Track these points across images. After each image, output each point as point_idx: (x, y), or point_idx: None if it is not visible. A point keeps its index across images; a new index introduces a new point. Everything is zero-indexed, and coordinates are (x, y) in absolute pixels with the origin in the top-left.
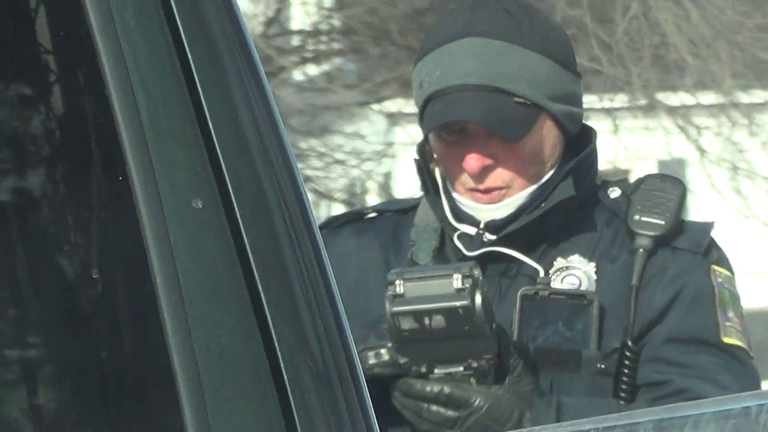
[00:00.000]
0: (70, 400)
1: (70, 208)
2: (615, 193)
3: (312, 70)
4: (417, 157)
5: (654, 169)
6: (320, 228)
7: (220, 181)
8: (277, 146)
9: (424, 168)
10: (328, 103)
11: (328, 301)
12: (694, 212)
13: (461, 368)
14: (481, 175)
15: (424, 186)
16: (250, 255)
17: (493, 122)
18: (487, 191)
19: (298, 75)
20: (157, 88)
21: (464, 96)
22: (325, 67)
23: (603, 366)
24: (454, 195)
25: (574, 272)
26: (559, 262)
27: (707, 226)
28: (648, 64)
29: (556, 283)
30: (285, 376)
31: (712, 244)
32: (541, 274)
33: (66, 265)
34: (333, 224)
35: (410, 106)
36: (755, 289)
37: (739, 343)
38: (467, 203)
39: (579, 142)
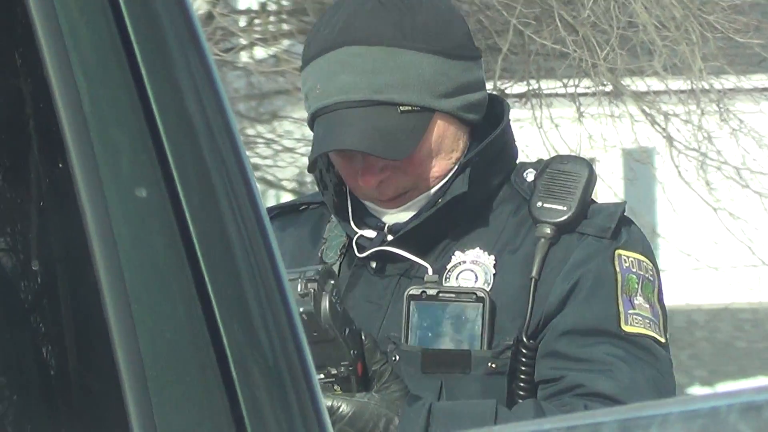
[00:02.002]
0: (9, 397)
1: (8, 196)
2: (530, 176)
3: (260, 52)
4: (308, 170)
5: (620, 159)
6: None
7: (165, 169)
8: (225, 133)
9: (319, 178)
10: (276, 87)
11: (278, 294)
12: (662, 203)
13: (321, 375)
14: (380, 187)
15: (323, 188)
16: (196, 246)
17: (375, 146)
18: (390, 199)
19: (245, 57)
20: (98, 70)
21: (346, 116)
22: (274, 49)
23: (494, 365)
24: (359, 197)
25: (471, 267)
26: (457, 256)
27: (616, 208)
28: (615, 46)
29: (451, 280)
30: (233, 372)
31: (622, 226)
32: (430, 272)
33: (4, 257)
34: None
35: None
36: (722, 284)
37: (643, 331)
38: (370, 206)
39: (492, 122)
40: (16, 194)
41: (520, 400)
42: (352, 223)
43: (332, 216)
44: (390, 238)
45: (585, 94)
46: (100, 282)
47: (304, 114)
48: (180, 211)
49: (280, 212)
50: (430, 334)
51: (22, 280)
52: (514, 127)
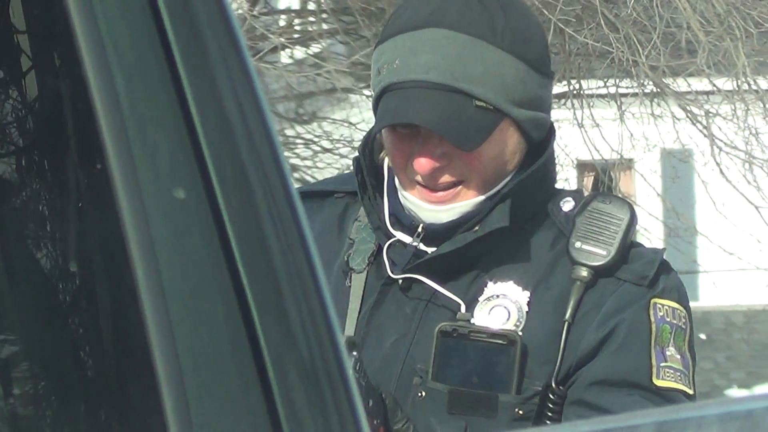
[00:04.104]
0: (47, 399)
1: (47, 198)
2: (567, 205)
3: (300, 52)
4: (358, 153)
5: (661, 158)
6: None
7: (203, 170)
8: (263, 134)
9: (364, 163)
10: (316, 87)
11: (316, 296)
12: (703, 202)
13: None
14: (432, 174)
15: (362, 186)
16: (234, 247)
17: (448, 130)
18: (437, 190)
19: (285, 57)
20: (136, 71)
21: (421, 94)
22: (314, 49)
23: (521, 411)
24: (400, 190)
25: (504, 303)
26: (490, 289)
27: (656, 255)
28: (657, 44)
29: (483, 314)
30: (271, 374)
31: (660, 273)
32: (463, 309)
33: (43, 259)
34: None
35: None
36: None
37: (674, 385)
38: (411, 200)
39: (540, 147)
40: (54, 195)
41: None
42: (388, 223)
43: (359, 214)
44: (422, 247)
45: (626, 94)
46: (137, 283)
47: (344, 115)
48: (218, 212)
49: (301, 197)
50: (458, 374)
51: (60, 282)
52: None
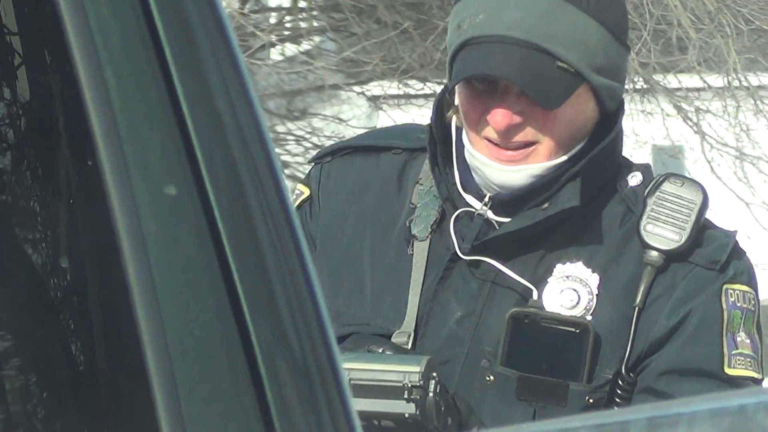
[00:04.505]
0: (38, 396)
1: (38, 195)
2: (635, 179)
3: (291, 49)
4: (431, 120)
5: (651, 155)
6: (324, 155)
7: (194, 167)
8: (254, 130)
9: (438, 132)
10: (307, 84)
11: (307, 293)
12: None
13: None
14: (507, 131)
15: (434, 156)
16: (225, 244)
17: (531, 85)
18: (508, 149)
19: (276, 54)
20: (128, 69)
21: (504, 49)
22: (305, 46)
23: (591, 400)
24: (467, 147)
25: (574, 285)
26: (559, 270)
27: (728, 239)
28: (648, 42)
29: (552, 297)
30: (262, 371)
31: (732, 257)
32: (535, 295)
33: (34, 256)
34: (340, 152)
35: (395, 89)
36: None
37: (745, 373)
38: (480, 158)
39: (610, 118)
40: (45, 192)
41: None
42: (460, 188)
43: (421, 176)
44: (490, 216)
45: None
46: (128, 280)
47: (334, 111)
48: (209, 209)
49: (354, 150)
50: (528, 360)
51: (51, 279)
52: None
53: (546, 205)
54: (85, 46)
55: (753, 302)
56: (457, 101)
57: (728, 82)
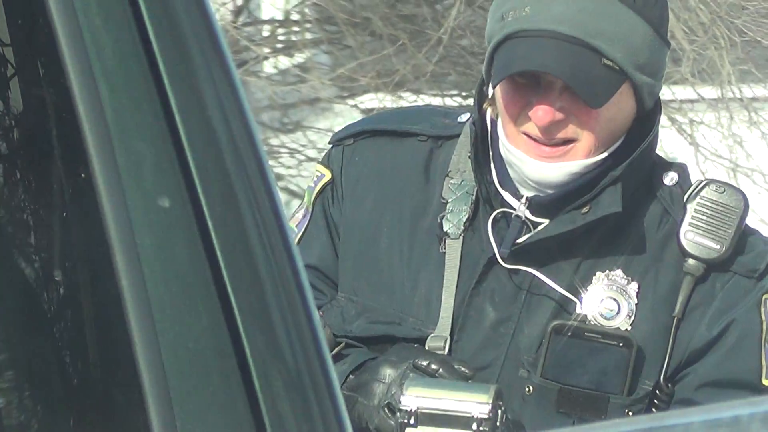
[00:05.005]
0: (31, 407)
1: (31, 207)
2: (671, 179)
3: (284, 61)
4: (473, 117)
5: None
6: (345, 137)
7: (188, 179)
8: (248, 143)
9: (479, 128)
10: (300, 97)
11: (301, 305)
12: None
13: None
14: (548, 128)
15: (476, 156)
16: (219, 256)
17: (579, 82)
18: (548, 145)
19: (269, 67)
20: (121, 81)
21: (550, 44)
22: (298, 58)
23: (631, 412)
24: (503, 141)
25: (614, 295)
26: (599, 279)
27: (767, 246)
28: None
29: (592, 306)
30: (256, 383)
31: None
32: (578, 308)
33: (27, 267)
34: (361, 135)
35: (389, 102)
36: None
37: None
38: (517, 154)
39: (645, 117)
40: (39, 203)
41: None
42: (499, 187)
43: (450, 168)
44: (527, 217)
45: None
46: (122, 291)
47: (328, 124)
48: (203, 221)
49: (375, 134)
50: (569, 372)
51: (45, 290)
52: None
53: (586, 209)
54: (78, 58)
55: None
56: (491, 93)
57: (722, 94)
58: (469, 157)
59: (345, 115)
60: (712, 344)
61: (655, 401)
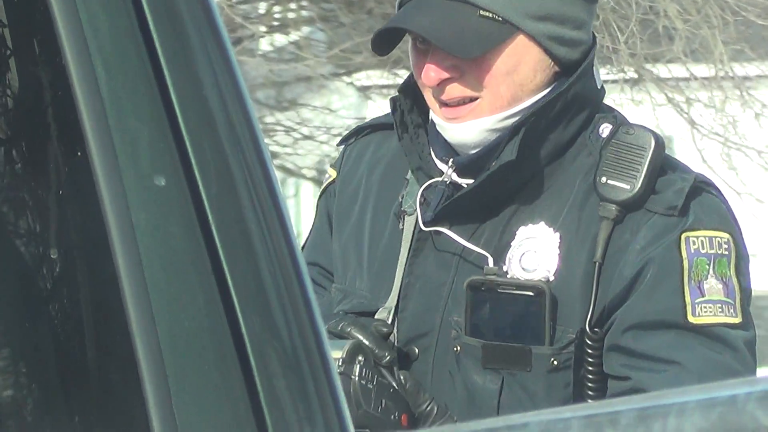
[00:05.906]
0: (27, 386)
1: (27, 186)
2: (606, 131)
3: (279, 39)
4: (398, 92)
5: None
6: (350, 137)
7: (183, 157)
8: (244, 121)
9: (404, 101)
10: (296, 74)
11: (297, 284)
12: None
13: None
14: (441, 86)
15: (401, 125)
16: (215, 235)
17: (442, 36)
18: (451, 105)
19: (265, 45)
20: (117, 59)
21: (426, 3)
22: (294, 36)
23: (556, 362)
24: (431, 114)
25: (535, 247)
26: (521, 233)
27: (684, 182)
28: (636, 32)
29: (515, 262)
30: (252, 361)
31: (690, 201)
32: (490, 262)
33: (23, 246)
34: (362, 132)
35: (384, 78)
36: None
37: (713, 320)
38: (437, 121)
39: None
40: (35, 183)
41: (590, 392)
42: (434, 157)
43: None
44: (454, 179)
45: (606, 81)
46: (118, 271)
47: (323, 101)
48: (198, 199)
49: (373, 129)
50: (490, 328)
51: (40, 269)
52: None
53: (494, 163)
54: (75, 38)
55: (725, 245)
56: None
57: (715, 73)
58: (400, 130)
59: (341, 93)
60: (631, 285)
61: (587, 350)
